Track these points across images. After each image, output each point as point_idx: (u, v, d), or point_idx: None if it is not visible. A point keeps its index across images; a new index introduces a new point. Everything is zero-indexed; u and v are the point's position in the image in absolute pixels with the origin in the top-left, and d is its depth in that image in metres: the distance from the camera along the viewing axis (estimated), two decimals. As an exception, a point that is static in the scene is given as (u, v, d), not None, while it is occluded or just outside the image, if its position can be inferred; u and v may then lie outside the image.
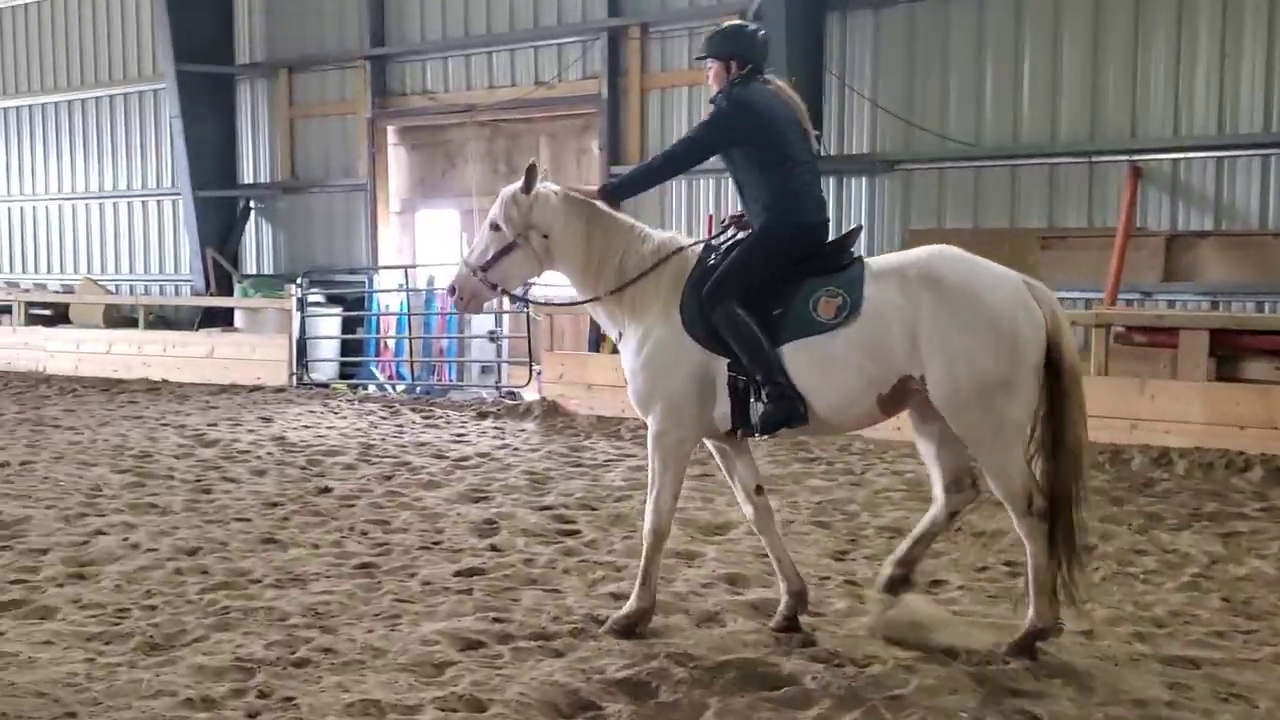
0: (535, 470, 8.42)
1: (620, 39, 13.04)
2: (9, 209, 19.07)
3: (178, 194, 16.18)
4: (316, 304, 13.99)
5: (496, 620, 4.88)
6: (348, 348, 14.50)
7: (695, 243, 4.90)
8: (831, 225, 4.96)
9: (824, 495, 7.47)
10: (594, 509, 7.13)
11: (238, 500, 7.44)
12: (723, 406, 4.62)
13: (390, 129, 14.89)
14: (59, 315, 16.75)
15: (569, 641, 4.62)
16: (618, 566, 5.74)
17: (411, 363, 13.62)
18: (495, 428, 10.95)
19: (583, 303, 5.02)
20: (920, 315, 4.33)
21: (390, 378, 13.95)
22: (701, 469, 7.53)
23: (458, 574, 5.64)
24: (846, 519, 6.86)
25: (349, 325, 14.57)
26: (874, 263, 4.61)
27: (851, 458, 8.87)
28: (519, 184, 4.84)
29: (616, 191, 5.02)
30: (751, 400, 4.54)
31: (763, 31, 5.01)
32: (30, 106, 18.62)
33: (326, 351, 14.24)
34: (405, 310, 13.84)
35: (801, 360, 4.47)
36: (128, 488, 7.85)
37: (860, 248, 4.91)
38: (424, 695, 4.05)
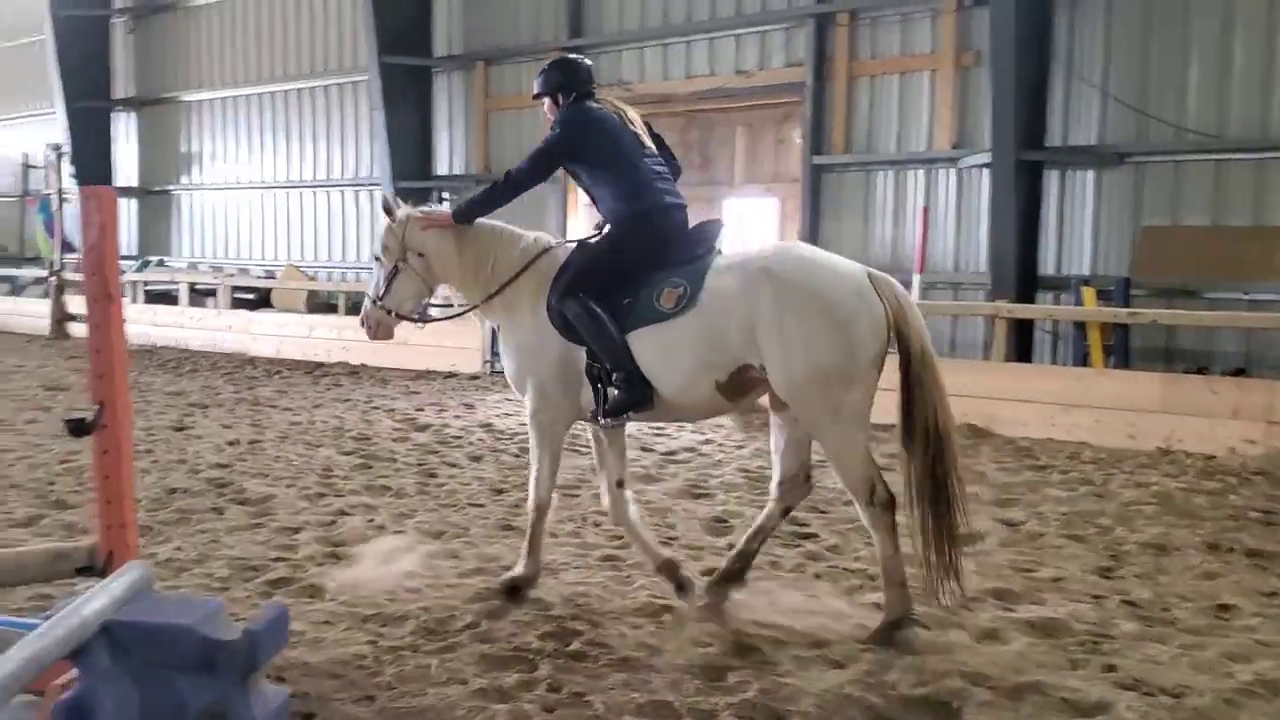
0: (749, 468, 8.26)
1: (828, 25, 12.74)
2: (218, 197, 19.94)
3: (377, 184, 16.60)
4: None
5: (761, 625, 4.75)
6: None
7: (565, 242, 5.24)
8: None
9: (1069, 506, 7.09)
10: (824, 512, 6.93)
11: (464, 485, 7.52)
12: (587, 394, 4.92)
13: (584, 120, 14.92)
14: (261, 300, 17.42)
15: (847, 651, 4.44)
16: (870, 575, 5.53)
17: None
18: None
19: (468, 309, 5.34)
20: (758, 307, 4.48)
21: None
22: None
23: (704, 573, 5.53)
24: (1100, 533, 6.47)
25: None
26: (724, 257, 4.83)
27: (1086, 467, 8.42)
28: (387, 218, 5.30)
29: (464, 215, 5.19)
30: (603, 385, 4.82)
31: (586, 61, 5.33)
32: (238, 98, 19.43)
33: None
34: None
35: (644, 347, 4.72)
36: (357, 469, 8.03)
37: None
38: (715, 700, 3.94)
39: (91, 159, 20.64)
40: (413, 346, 14.09)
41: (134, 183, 21.10)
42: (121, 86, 21.12)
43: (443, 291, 5.46)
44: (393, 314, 5.31)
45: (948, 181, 12.17)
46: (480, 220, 5.24)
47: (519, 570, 5.10)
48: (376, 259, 5.35)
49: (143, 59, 20.80)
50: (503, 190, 5.13)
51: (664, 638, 4.56)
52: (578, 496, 7.23)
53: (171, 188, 20.52)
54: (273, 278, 17.83)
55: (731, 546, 5.95)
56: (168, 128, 20.56)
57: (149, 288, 18.13)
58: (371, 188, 17.16)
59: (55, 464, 8.12)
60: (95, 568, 3.88)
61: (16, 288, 21.36)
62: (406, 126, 15.81)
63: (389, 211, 5.32)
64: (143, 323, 17.58)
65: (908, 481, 4.47)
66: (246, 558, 5.70)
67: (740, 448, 9.34)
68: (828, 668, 4.28)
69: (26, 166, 22.47)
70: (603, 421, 4.97)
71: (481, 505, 6.95)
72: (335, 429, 9.82)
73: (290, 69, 18.50)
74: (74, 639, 2.98)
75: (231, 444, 8.99)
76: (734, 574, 5.01)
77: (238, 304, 17.21)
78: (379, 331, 5.37)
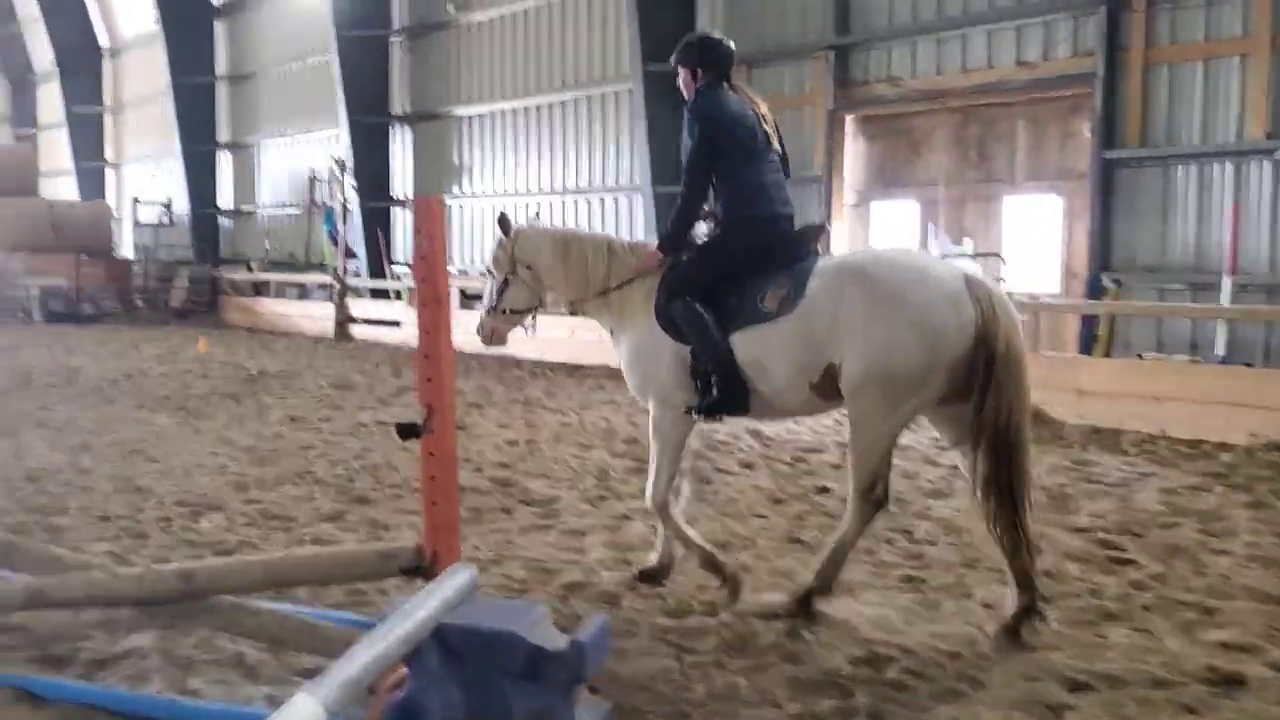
0: (1048, 485, 7.71)
1: (1121, 11, 11.85)
2: (486, 205, 20.73)
3: (637, 190, 16.79)
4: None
5: (1091, 657, 4.33)
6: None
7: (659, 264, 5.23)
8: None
9: None
10: (1139, 535, 6.34)
11: (741, 494, 7.37)
12: (689, 392, 5.02)
13: (849, 119, 14.55)
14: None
15: (1197, 695, 3.98)
16: (1206, 608, 4.98)
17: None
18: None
19: (572, 307, 5.51)
20: (846, 307, 4.58)
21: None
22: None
23: (1019, 598, 5.13)
24: None
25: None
26: (825, 260, 4.90)
27: None
28: (499, 233, 5.56)
29: (673, 241, 5.24)
30: (706, 384, 4.90)
31: (730, 43, 5.37)
32: (505, 111, 20.15)
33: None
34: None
35: (747, 347, 4.83)
36: (631, 473, 8.03)
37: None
38: (1059, 743, 3.59)
39: (371, 172, 21.93)
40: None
41: (409, 194, 22.24)
42: (398, 102, 22.32)
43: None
44: (506, 314, 5.57)
45: (1261, 175, 11.07)
46: (580, 233, 5.62)
47: (697, 562, 5.23)
48: (489, 272, 5.65)
49: (418, 76, 21.93)
50: (687, 209, 5.23)
51: (987, 670, 4.24)
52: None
53: (443, 199, 21.50)
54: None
55: (1047, 574, 5.48)
56: (440, 141, 21.58)
57: (423, 293, 19.04)
58: (632, 194, 17.37)
59: (352, 460, 8.54)
60: (421, 568, 3.95)
61: (305, 293, 22.96)
62: (667, 132, 15.87)
63: (505, 228, 5.56)
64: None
65: (975, 480, 4.52)
66: (540, 559, 5.75)
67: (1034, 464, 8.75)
68: (1179, 712, 3.85)
69: (313, 180, 24.14)
70: (697, 419, 5.08)
71: (763, 516, 6.77)
72: (604, 430, 9.91)
73: (555, 81, 18.99)
74: (411, 640, 2.99)
75: (510, 444, 9.22)
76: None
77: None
78: (493, 338, 5.63)
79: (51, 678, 3.97)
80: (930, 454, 9.01)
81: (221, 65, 27.95)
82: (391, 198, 21.87)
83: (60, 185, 34.00)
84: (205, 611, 4.22)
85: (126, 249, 29.14)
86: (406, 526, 6.50)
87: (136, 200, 29.07)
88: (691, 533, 5.27)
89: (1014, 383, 4.42)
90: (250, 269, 24.94)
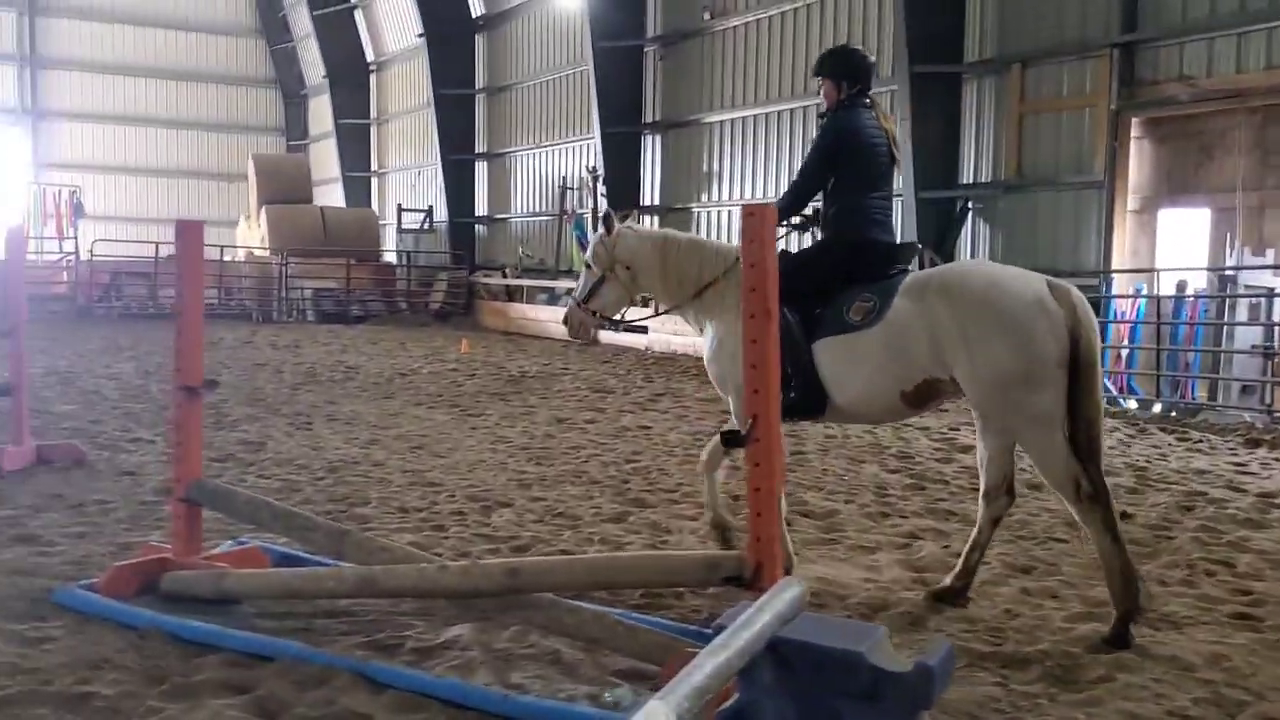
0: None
1: None
2: (735, 213, 20.70)
3: (898, 195, 16.36)
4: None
5: None
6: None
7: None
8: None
9: None
10: None
11: (1033, 516, 6.95)
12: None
13: (1134, 121, 13.67)
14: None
15: None
16: None
17: (1158, 376, 12.38)
18: (1276, 459, 9.46)
19: (669, 310, 5.81)
20: (939, 322, 4.73)
21: (1121, 391, 12.83)
22: None
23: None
24: None
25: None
26: (912, 276, 5.04)
27: None
28: (602, 230, 5.77)
29: (783, 214, 5.51)
30: (787, 388, 4.96)
31: (871, 58, 5.57)
32: (757, 116, 20.07)
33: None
34: (1141, 318, 12.66)
35: (829, 355, 5.03)
36: (910, 489, 7.79)
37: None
38: None
39: (621, 180, 22.37)
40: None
41: (656, 201, 22.55)
42: (650, 111, 22.68)
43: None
44: (596, 315, 5.85)
45: None
46: (678, 236, 5.81)
47: (708, 519, 5.73)
48: (587, 266, 5.86)
49: (669, 84, 22.20)
50: (793, 203, 5.52)
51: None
52: (1173, 538, 6.46)
53: (692, 205, 21.66)
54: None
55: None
56: (689, 148, 21.77)
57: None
58: (894, 198, 16.88)
59: (623, 462, 8.66)
60: (743, 579, 3.90)
61: (553, 298, 23.68)
62: (931, 135, 15.43)
63: (609, 226, 5.76)
64: (664, 331, 18.69)
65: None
66: (830, 577, 5.60)
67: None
68: None
69: (564, 188, 24.88)
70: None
71: (1062, 540, 6.39)
72: (872, 444, 9.66)
73: (812, 84, 18.67)
74: (749, 652, 2.93)
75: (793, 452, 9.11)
76: (955, 591, 5.06)
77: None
78: (580, 331, 5.90)
79: (386, 664, 4.14)
80: (1236, 480, 8.32)
81: (480, 78, 29.23)
82: (640, 205, 22.21)
83: (329, 193, 36.47)
84: (525, 608, 4.32)
85: (389, 254, 30.90)
86: (687, 532, 6.52)
87: (400, 208, 30.77)
88: (721, 502, 5.73)
89: (1094, 384, 4.63)
90: (505, 274, 25.94)
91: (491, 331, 23.59)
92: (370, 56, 35.96)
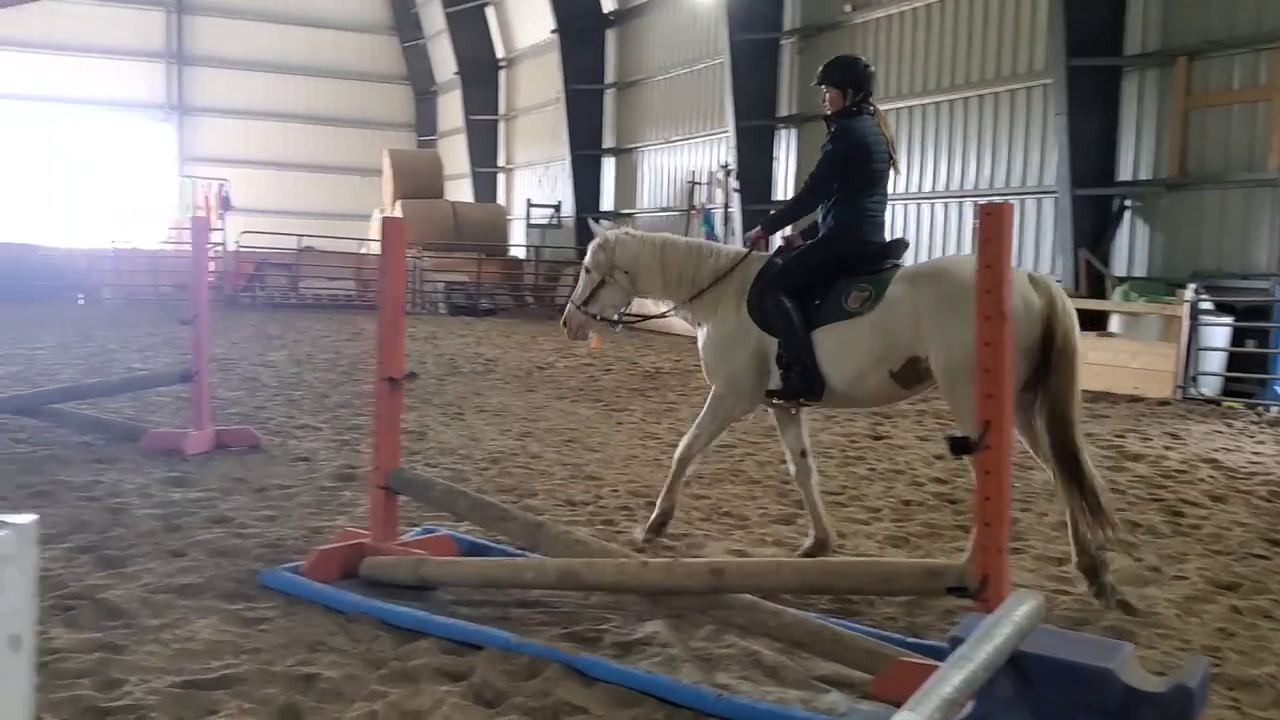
0: None
1: None
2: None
3: (1052, 192, 15.89)
4: (1206, 311, 12.72)
5: None
6: (1236, 361, 12.99)
7: (765, 254, 5.88)
8: None
9: None
10: None
11: (1225, 530, 6.67)
12: (774, 378, 5.59)
13: (1313, 115, 13.01)
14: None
15: None
16: None
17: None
18: None
19: (668, 313, 6.20)
20: (924, 305, 5.06)
21: (1294, 399, 12.21)
22: None
23: None
24: None
25: (1239, 336, 13.05)
26: (904, 268, 5.45)
27: None
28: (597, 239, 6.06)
29: (774, 226, 6.03)
30: (786, 373, 5.46)
31: (872, 68, 5.87)
32: (900, 110, 19.65)
33: (1214, 364, 12.91)
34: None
35: (827, 342, 5.36)
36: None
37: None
38: None
39: (754, 175, 22.22)
40: (1089, 366, 13.25)
41: (789, 197, 22.34)
42: (785, 104, 22.46)
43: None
44: (596, 317, 6.09)
45: None
46: (675, 239, 6.13)
47: (658, 510, 5.94)
48: (587, 270, 6.09)
49: (806, 77, 21.88)
50: (804, 204, 5.89)
51: None
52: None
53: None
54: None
55: None
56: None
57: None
58: (1043, 197, 16.43)
59: (778, 462, 8.54)
60: (967, 589, 3.79)
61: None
62: (1088, 130, 14.89)
63: (600, 237, 6.08)
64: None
65: (1043, 450, 5.08)
66: (1024, 586, 5.42)
67: None
68: None
69: (692, 184, 24.82)
70: (776, 403, 5.77)
71: (1264, 558, 6.08)
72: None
73: (957, 78, 18.29)
74: (992, 665, 2.83)
75: (938, 457, 8.90)
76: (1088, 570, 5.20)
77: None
78: (579, 332, 6.20)
79: (595, 657, 4.14)
80: None
81: (610, 73, 29.37)
82: (774, 201, 22.01)
83: (458, 188, 37.10)
84: (725, 607, 4.27)
85: (517, 249, 31.28)
86: (862, 536, 6.40)
87: (530, 203, 31.10)
88: (678, 491, 6.00)
89: (1069, 365, 4.92)
90: (632, 268, 25.99)
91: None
92: (500, 53, 36.46)
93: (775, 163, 22.60)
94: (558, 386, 13.06)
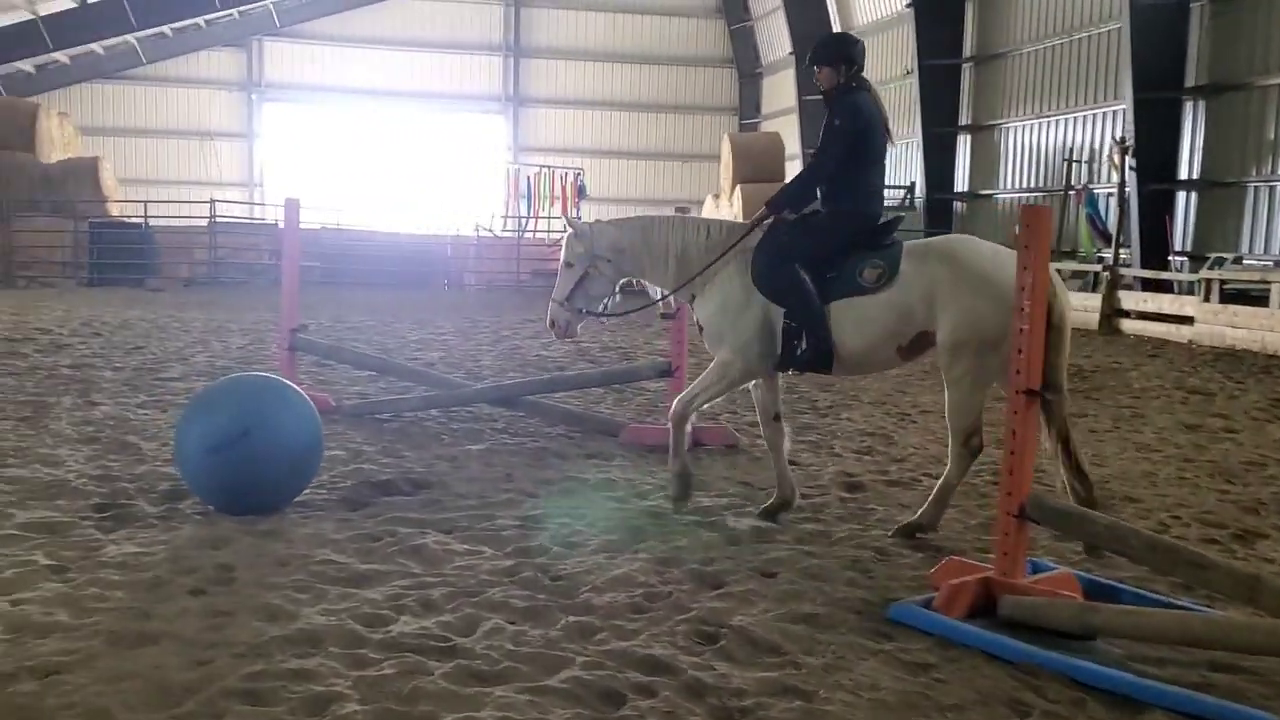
0: None
1: None
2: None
3: None
4: None
5: None
6: None
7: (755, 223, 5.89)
8: None
9: None
10: None
11: None
12: (777, 346, 5.71)
13: None
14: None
15: None
16: None
17: None
18: None
19: (674, 291, 6.01)
20: (938, 284, 5.37)
21: None
22: None
23: None
24: None
25: None
26: (910, 244, 5.68)
27: None
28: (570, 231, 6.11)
29: (778, 206, 5.83)
30: (794, 343, 5.62)
31: (862, 41, 5.99)
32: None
33: None
34: None
35: (843, 315, 5.57)
36: None
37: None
38: None
39: (1153, 151, 20.18)
40: None
41: (1195, 175, 20.17)
42: (1193, 74, 20.26)
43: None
44: (583, 312, 6.03)
45: None
46: (653, 217, 6.14)
47: (672, 472, 5.97)
48: (567, 265, 5.99)
49: (1219, 44, 19.68)
50: (812, 181, 5.84)
51: None
52: None
53: (1245, 180, 19.11)
54: None
55: None
56: (1240, 116, 19.20)
57: (1227, 287, 17.00)
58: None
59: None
60: None
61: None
62: None
63: (574, 225, 6.08)
64: (1218, 324, 16.61)
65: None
66: None
67: None
68: None
69: (1070, 161, 22.96)
70: (787, 373, 5.87)
71: None
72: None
73: None
74: None
75: None
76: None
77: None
78: (567, 331, 6.06)
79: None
80: None
81: (969, 47, 27.77)
82: (1176, 181, 19.92)
83: (788, 171, 36.42)
84: None
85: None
86: None
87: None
88: (684, 447, 5.95)
89: (1062, 341, 5.16)
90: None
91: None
92: (837, 29, 35.48)
93: (1181, 138, 20.41)
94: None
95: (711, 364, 5.86)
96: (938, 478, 7.11)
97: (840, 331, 5.59)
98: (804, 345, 5.60)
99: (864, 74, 5.83)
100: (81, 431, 7.74)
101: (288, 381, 6.15)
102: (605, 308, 6.15)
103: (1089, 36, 22.75)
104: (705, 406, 6.00)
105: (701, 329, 5.94)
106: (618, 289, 6.13)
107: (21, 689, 3.53)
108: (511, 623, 4.21)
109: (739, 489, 6.65)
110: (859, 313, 5.54)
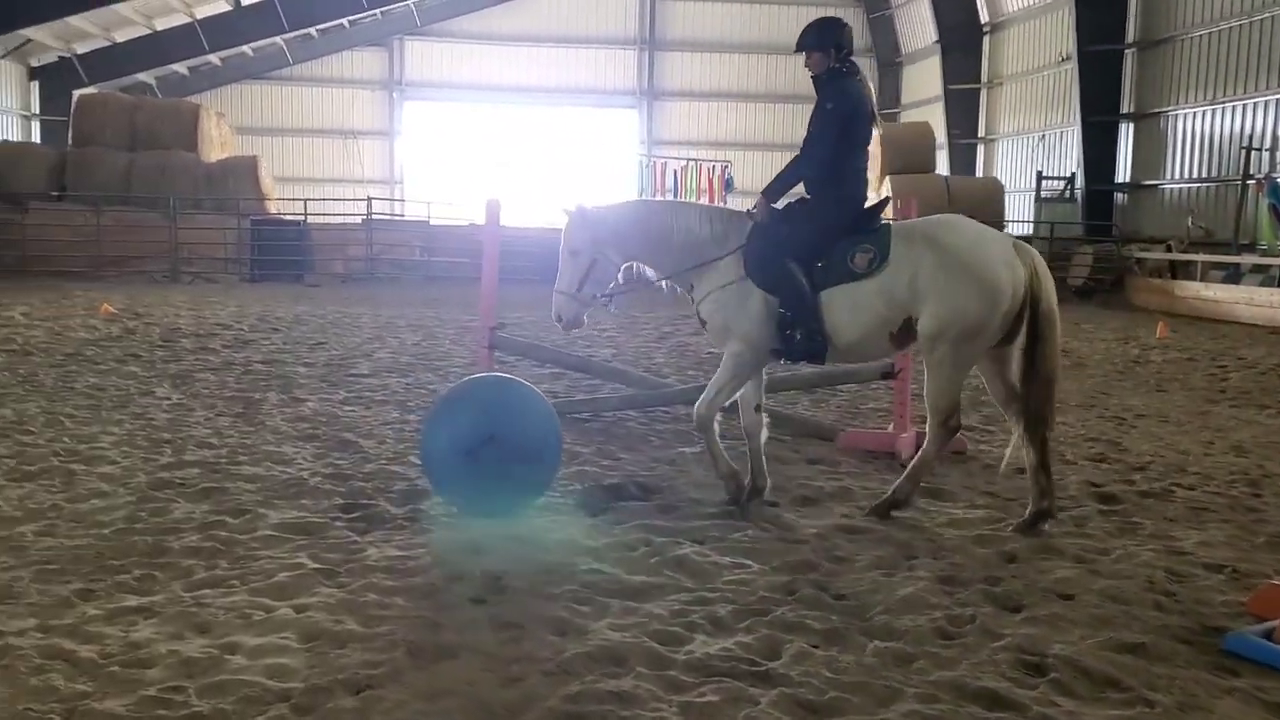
0: None
1: None
2: None
3: None
4: None
5: None
6: None
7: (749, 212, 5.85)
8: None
9: None
10: None
11: None
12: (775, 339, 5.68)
13: None
14: None
15: None
16: None
17: None
18: None
19: (670, 276, 5.89)
20: (923, 269, 5.36)
21: None
22: None
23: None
24: None
25: None
26: (895, 226, 5.69)
27: None
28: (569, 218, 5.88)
29: (775, 193, 5.84)
30: (789, 333, 5.57)
31: (849, 25, 5.94)
32: None
33: None
34: None
35: (836, 303, 5.51)
36: None
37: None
38: None
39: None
40: None
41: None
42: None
43: None
44: (597, 298, 5.84)
45: None
46: (650, 202, 6.60)
47: (724, 478, 5.90)
48: (574, 253, 5.81)
49: None
50: (804, 167, 5.79)
51: None
52: None
53: None
54: None
55: None
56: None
57: None
58: None
59: None
60: None
61: (1234, 275, 20.73)
62: None
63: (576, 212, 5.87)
64: None
65: (1024, 407, 5.46)
66: None
67: None
68: None
69: (1248, 149, 21.70)
70: (781, 363, 5.92)
71: None
72: None
73: None
74: None
75: None
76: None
77: None
78: (575, 323, 5.89)
79: None
80: None
81: (1132, 31, 26.53)
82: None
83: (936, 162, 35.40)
84: None
85: (1016, 224, 29.18)
86: None
87: (1040, 175, 28.82)
88: (721, 448, 5.85)
89: (1052, 331, 5.38)
90: (1169, 249, 23.23)
91: (1147, 312, 21.11)
92: (984, 18, 34.40)
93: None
94: (1182, 385, 11.42)
95: (722, 360, 5.77)
96: (1189, 489, 6.74)
97: (833, 322, 5.55)
98: (798, 335, 5.58)
99: (850, 59, 5.83)
100: (298, 429, 7.79)
101: (526, 383, 6.03)
102: (612, 296, 6.04)
103: (1272, 18, 21.47)
104: (725, 403, 5.85)
105: (704, 323, 5.84)
106: (620, 273, 6.02)
107: (343, 705, 3.42)
108: (815, 646, 3.97)
109: (986, 499, 6.29)
110: (851, 299, 5.51)
